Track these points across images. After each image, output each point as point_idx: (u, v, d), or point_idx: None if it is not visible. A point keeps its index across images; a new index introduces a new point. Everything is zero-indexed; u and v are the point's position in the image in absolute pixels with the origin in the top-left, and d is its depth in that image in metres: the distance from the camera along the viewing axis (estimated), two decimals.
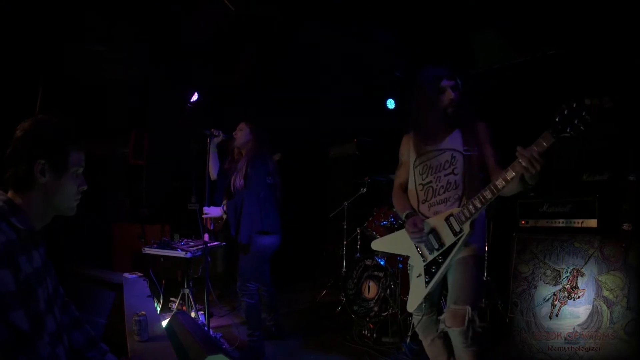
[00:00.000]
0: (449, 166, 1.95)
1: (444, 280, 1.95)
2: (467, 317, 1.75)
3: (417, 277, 1.99)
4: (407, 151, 2.13)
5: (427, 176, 2.01)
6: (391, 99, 5.28)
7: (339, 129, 5.36)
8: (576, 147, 2.78)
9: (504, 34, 3.95)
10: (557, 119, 1.56)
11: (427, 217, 1.98)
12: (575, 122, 1.52)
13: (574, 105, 1.53)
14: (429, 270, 1.94)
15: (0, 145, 1.26)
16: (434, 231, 1.93)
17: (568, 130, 1.54)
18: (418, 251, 2.00)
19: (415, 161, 2.07)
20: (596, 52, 3.28)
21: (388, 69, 5.08)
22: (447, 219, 1.89)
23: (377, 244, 2.28)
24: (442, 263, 1.89)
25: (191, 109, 4.79)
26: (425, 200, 2.01)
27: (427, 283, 1.93)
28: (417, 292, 1.98)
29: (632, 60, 3.02)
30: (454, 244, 1.86)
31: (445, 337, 1.98)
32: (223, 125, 3.08)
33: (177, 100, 4.98)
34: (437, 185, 1.97)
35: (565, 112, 1.55)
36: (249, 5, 3.93)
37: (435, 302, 2.06)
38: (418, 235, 1.93)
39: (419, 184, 2.04)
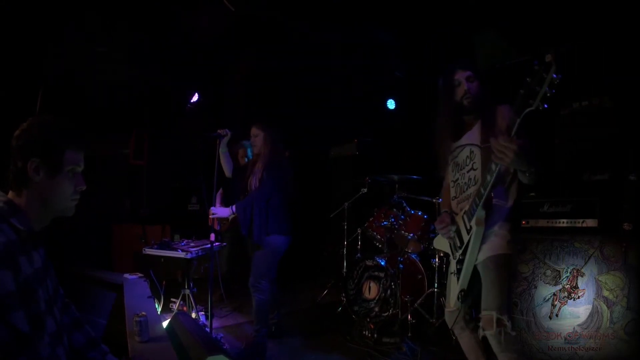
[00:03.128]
0: (470, 162, 1.92)
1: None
2: (494, 321, 1.74)
3: (451, 273, 2.00)
4: (445, 152, 2.10)
5: (455, 174, 2.02)
6: (391, 99, 5.27)
7: (339, 129, 5.36)
8: (576, 147, 2.78)
9: (504, 34, 3.95)
10: (521, 92, 1.39)
11: (456, 214, 1.98)
12: (537, 89, 1.32)
13: (535, 68, 1.33)
14: (457, 267, 1.94)
15: (0, 146, 1.27)
16: (457, 229, 1.94)
17: (530, 102, 1.35)
18: (451, 249, 2.02)
19: (449, 160, 2.08)
20: (596, 51, 3.28)
21: (388, 69, 5.08)
22: (462, 216, 1.89)
23: (436, 242, 2.23)
24: (463, 261, 1.88)
25: (191, 109, 4.79)
26: (455, 197, 2.02)
27: (458, 280, 1.93)
28: (453, 288, 1.98)
29: (632, 59, 3.02)
30: (468, 242, 1.85)
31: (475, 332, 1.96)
32: (222, 125, 3.08)
33: (177, 100, 4.98)
34: (462, 182, 1.96)
35: (529, 81, 1.35)
36: (249, 5, 3.94)
37: (472, 301, 2.00)
38: (444, 230, 1.95)
39: (451, 181, 2.06)
